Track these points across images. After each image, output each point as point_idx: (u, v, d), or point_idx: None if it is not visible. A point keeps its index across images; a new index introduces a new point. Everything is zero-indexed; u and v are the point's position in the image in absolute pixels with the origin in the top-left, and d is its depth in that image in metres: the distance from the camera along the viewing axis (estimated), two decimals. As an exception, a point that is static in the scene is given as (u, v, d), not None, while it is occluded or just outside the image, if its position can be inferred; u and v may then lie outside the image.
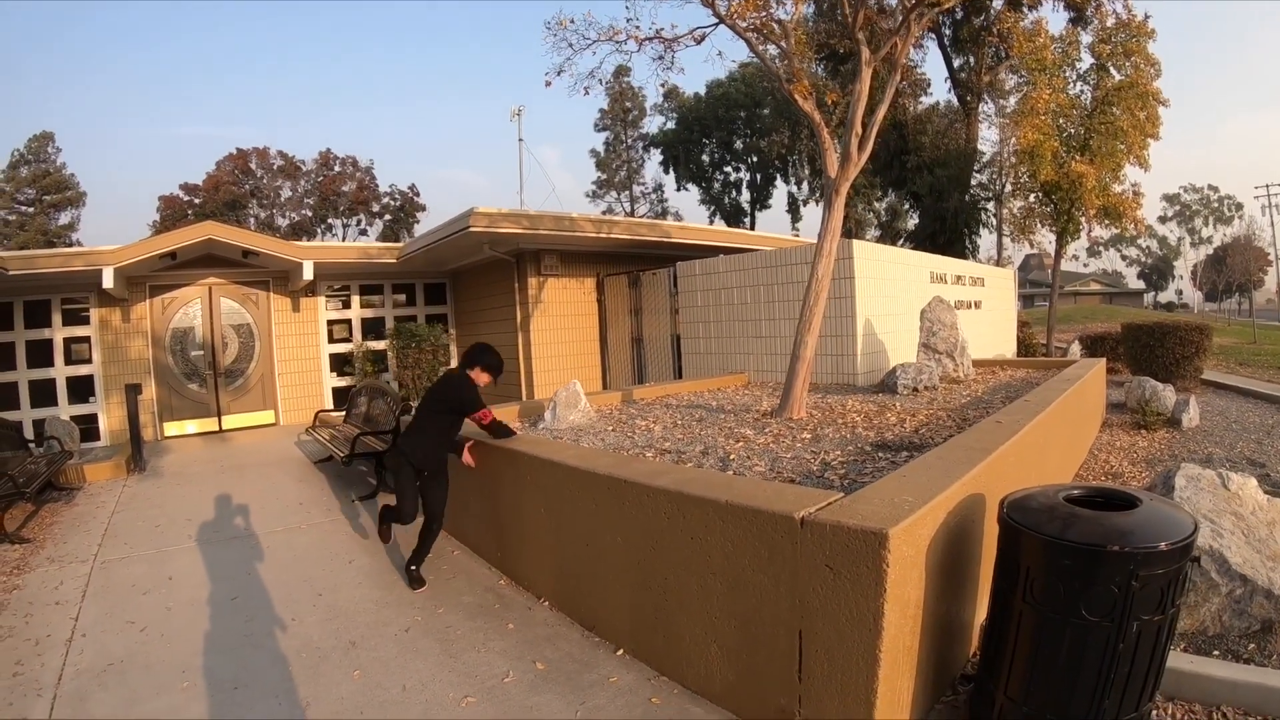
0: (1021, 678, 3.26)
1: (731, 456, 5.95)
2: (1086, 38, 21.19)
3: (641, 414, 8.56)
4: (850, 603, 3.28)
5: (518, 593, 5.86)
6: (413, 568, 6.23)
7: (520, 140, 34.65)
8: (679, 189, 56.41)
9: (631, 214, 59.80)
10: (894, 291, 11.54)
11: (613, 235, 14.16)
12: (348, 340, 17.43)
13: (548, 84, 9.84)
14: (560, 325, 15.28)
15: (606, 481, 4.84)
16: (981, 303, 16.09)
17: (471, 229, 12.38)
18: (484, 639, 4.97)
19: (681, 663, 4.29)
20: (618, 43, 9.25)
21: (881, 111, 7.99)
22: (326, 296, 17.08)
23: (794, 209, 51.32)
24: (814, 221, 66.04)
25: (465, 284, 18.03)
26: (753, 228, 51.21)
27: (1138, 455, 9.25)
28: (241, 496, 9.42)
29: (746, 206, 54.36)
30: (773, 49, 8.96)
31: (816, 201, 44.11)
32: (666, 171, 56.08)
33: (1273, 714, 3.63)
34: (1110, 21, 20.44)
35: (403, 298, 18.34)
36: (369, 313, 17.78)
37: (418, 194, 63.35)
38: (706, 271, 12.85)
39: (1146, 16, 20.13)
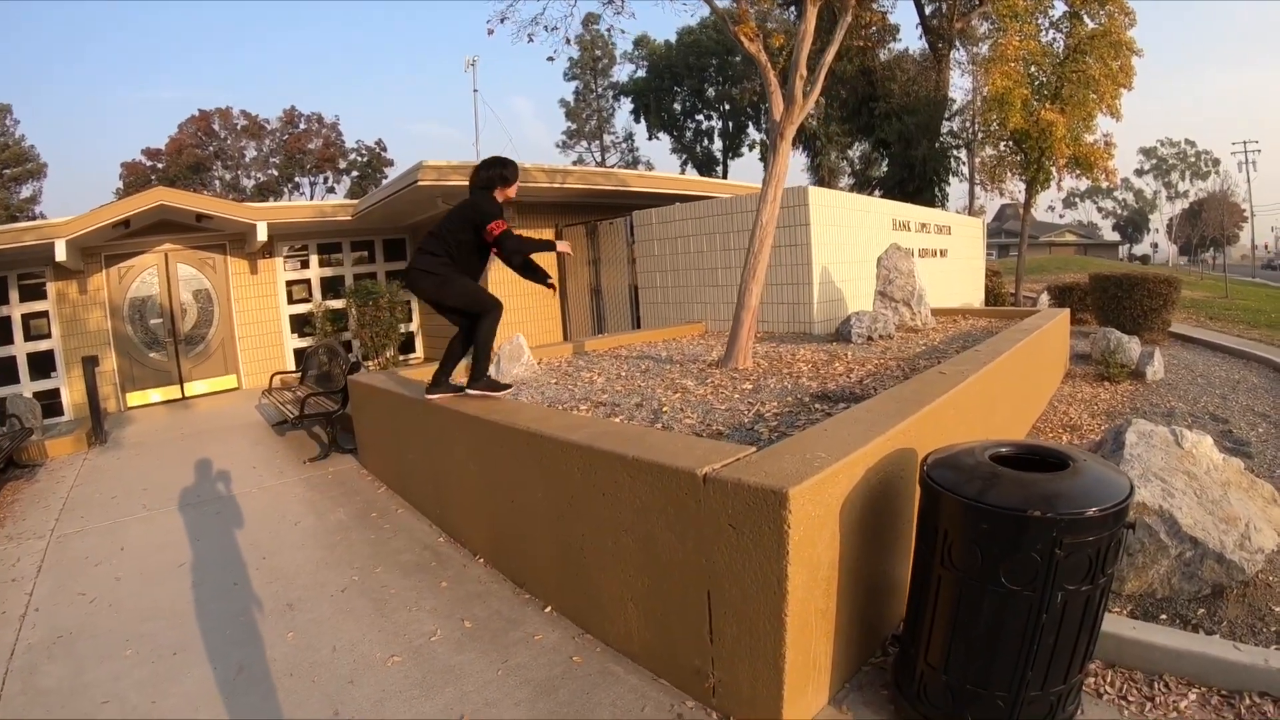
0: (942, 645, 3.07)
1: (665, 409, 5.80)
2: (1061, -15, 20.79)
3: (589, 366, 8.39)
4: (754, 564, 3.14)
5: (455, 550, 5.84)
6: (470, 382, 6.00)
7: (475, 91, 34.28)
8: (650, 138, 55.73)
9: (602, 163, 59.19)
10: (853, 239, 11.35)
11: (567, 185, 13.80)
12: (307, 300, 17.05)
13: (490, 32, 9.61)
14: (520, 278, 14.72)
15: (525, 437, 4.73)
16: (948, 251, 15.94)
17: (420, 183, 12.07)
18: (417, 598, 4.97)
19: (604, 621, 4.22)
20: (560, -15, 8.96)
21: (830, 53, 7.81)
22: (284, 257, 16.67)
23: (767, 157, 50.91)
24: (788, 169, 65.59)
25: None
26: (725, 176, 51.16)
27: (1098, 407, 9.12)
28: (197, 463, 9.31)
29: (719, 155, 53.89)
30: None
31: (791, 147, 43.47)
32: (637, 120, 55.37)
33: (1216, 685, 3.45)
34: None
35: (363, 254, 17.93)
36: (328, 272, 17.38)
37: (385, 149, 62.53)
38: (663, 220, 12.62)
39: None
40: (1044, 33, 20.63)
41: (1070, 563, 2.76)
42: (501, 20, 9.39)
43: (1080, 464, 3.09)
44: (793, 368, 7.44)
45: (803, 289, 10.27)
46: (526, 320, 14.78)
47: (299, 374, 12.22)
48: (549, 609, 4.65)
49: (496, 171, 5.78)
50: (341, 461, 8.88)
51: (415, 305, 17.95)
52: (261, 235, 14.16)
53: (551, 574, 4.69)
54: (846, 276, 10.90)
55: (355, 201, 16.16)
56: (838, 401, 5.62)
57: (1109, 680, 3.55)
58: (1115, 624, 3.71)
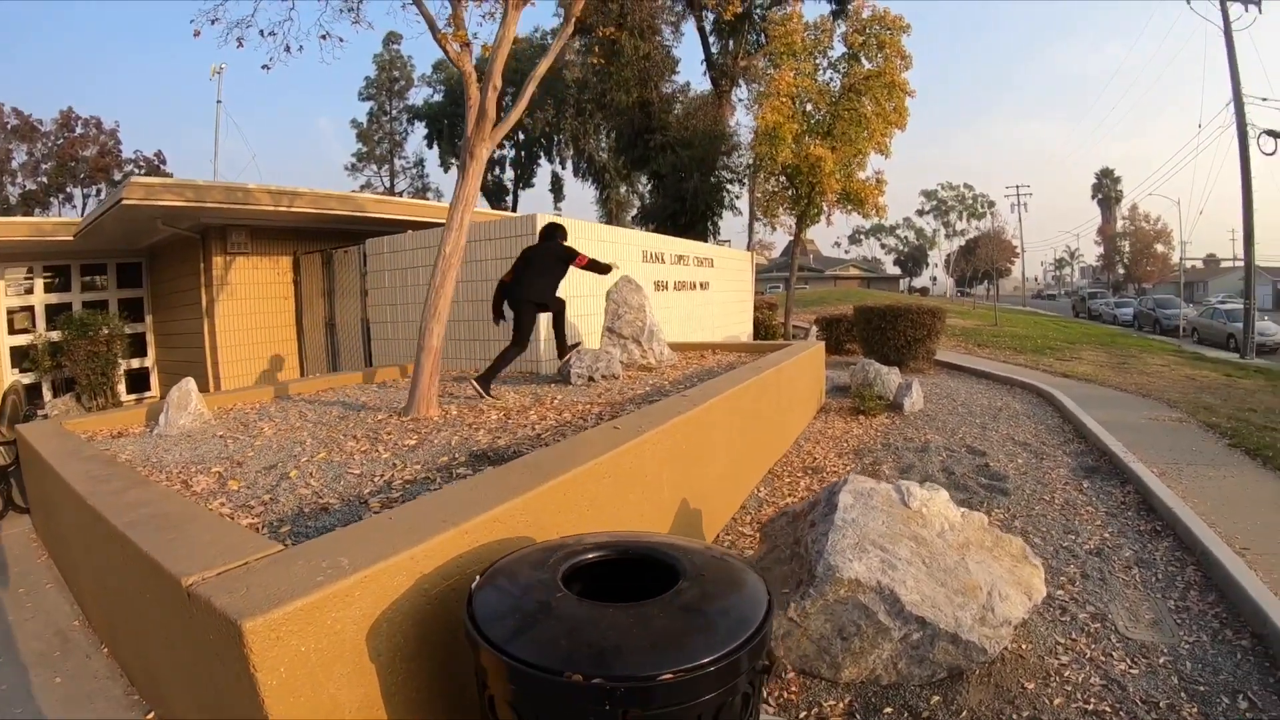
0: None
1: (293, 474, 4.83)
2: (843, 28, 21.31)
3: (276, 414, 7.30)
4: (245, 706, 2.36)
5: (86, 636, 4.89)
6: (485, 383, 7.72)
7: (219, 102, 32.44)
8: (442, 165, 54.27)
9: (390, 189, 57.85)
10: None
11: (295, 208, 12.67)
12: (30, 330, 15.08)
13: (196, 33, 8.51)
14: (252, 309, 13.68)
15: (91, 514, 3.91)
16: (709, 284, 15.64)
17: (125, 201, 10.78)
18: (24, 698, 4.13)
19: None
20: (274, -14, 8.04)
21: (542, 67, 7.39)
22: (8, 281, 14.74)
23: (557, 188, 50.73)
24: (578, 202, 65.77)
25: (161, 264, 15.95)
26: (515, 207, 50.98)
27: (848, 445, 8.77)
28: None
29: (509, 185, 53.17)
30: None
31: (581, 180, 43.23)
32: (430, 146, 54.10)
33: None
34: (866, 14, 20.54)
35: (99, 279, 16.11)
36: (54, 298, 15.40)
37: (164, 161, 57.96)
38: (394, 249, 11.70)
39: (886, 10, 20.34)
40: (822, 72, 21.07)
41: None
42: (212, 21, 8.35)
43: (692, 581, 2.24)
44: (482, 417, 6.61)
45: (530, 325, 9.45)
46: (259, 358, 13.73)
47: (-8, 418, 10.68)
48: (151, 716, 3.77)
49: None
50: (17, 524, 7.57)
51: (150, 338, 16.35)
52: (-36, 255, 12.28)
53: (146, 675, 3.87)
54: (585, 311, 10.22)
55: (78, 220, 14.55)
56: (495, 462, 4.78)
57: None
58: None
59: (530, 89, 7.21)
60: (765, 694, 3.64)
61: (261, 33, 8.71)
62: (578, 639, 2.00)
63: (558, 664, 1.90)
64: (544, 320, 9.39)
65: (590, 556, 2.46)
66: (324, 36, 8.96)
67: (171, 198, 11.16)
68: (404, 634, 2.62)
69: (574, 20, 7.47)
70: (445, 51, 6.97)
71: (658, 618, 2.09)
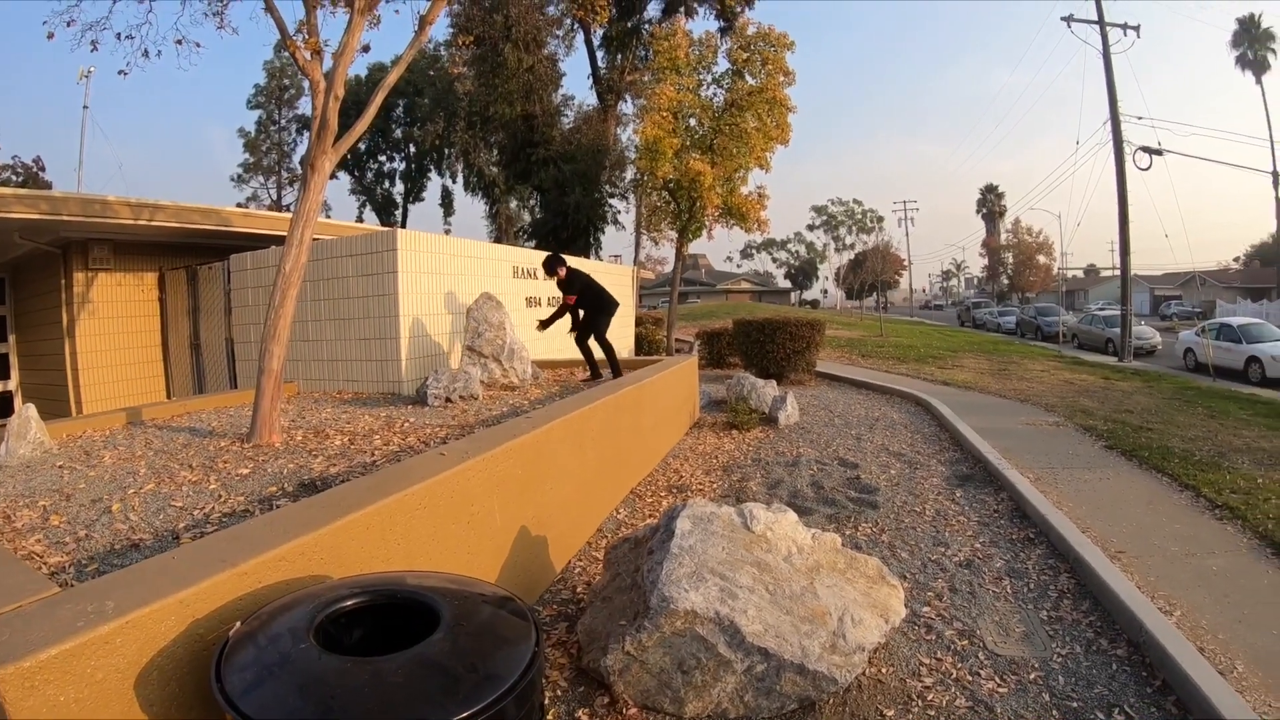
0: None
1: (115, 507, 4.52)
2: (728, 44, 21.45)
3: (123, 441, 6.82)
4: None
5: None
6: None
7: (85, 108, 31.35)
8: (331, 176, 52.83)
9: (277, 201, 56.27)
10: (461, 287, 10.44)
11: (156, 221, 12.04)
12: (-119, 354, 14.22)
13: (50, 36, 8.18)
14: (116, 329, 13.10)
15: None
16: (585, 299, 15.30)
17: (-31, 212, 10.15)
18: None
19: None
20: (131, -13, 7.77)
21: (392, 77, 7.22)
22: None
23: (447, 203, 50.06)
24: (469, 216, 65.14)
25: (24, 281, 15.14)
26: (404, 221, 50.58)
27: (718, 461, 8.69)
28: None
29: (399, 199, 52.41)
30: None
31: (472, 194, 42.58)
32: (318, 156, 52.61)
33: None
34: (751, 30, 20.75)
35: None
36: None
37: (43, 168, 55.31)
38: (257, 265, 11.19)
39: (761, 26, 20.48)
40: (706, 87, 21.16)
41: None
42: (68, 24, 8.02)
43: (448, 631, 2.11)
44: (325, 443, 6.31)
45: (390, 344, 9.21)
46: (124, 380, 13.17)
47: None
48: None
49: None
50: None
51: (14, 360, 15.63)
52: None
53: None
54: (452, 328, 9.98)
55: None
56: (315, 492, 4.55)
57: None
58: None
59: (379, 98, 7.01)
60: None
61: (118, 36, 8.41)
62: (308, 697, 1.87)
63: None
64: (406, 331, 9.27)
65: (349, 604, 2.30)
66: (179, 41, 8.66)
67: (24, 209, 10.56)
68: (179, 683, 2.46)
69: (427, 25, 7.31)
70: (295, 58, 6.72)
71: (393, 675, 1.94)
